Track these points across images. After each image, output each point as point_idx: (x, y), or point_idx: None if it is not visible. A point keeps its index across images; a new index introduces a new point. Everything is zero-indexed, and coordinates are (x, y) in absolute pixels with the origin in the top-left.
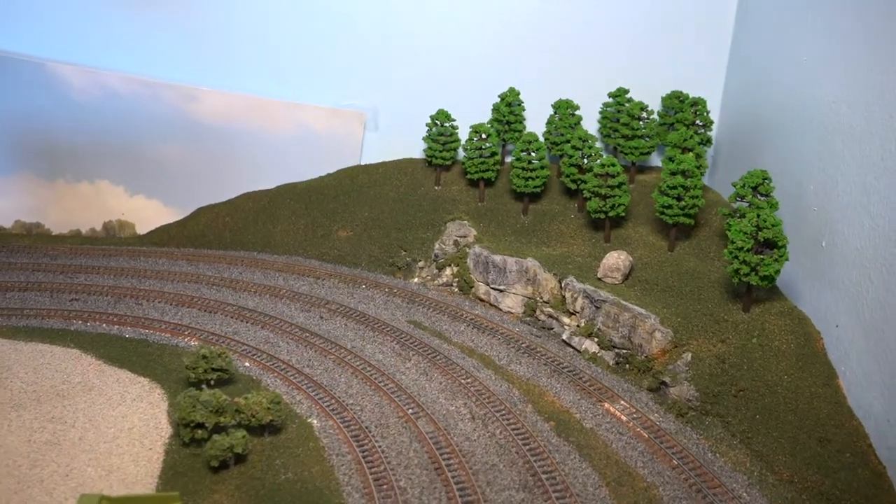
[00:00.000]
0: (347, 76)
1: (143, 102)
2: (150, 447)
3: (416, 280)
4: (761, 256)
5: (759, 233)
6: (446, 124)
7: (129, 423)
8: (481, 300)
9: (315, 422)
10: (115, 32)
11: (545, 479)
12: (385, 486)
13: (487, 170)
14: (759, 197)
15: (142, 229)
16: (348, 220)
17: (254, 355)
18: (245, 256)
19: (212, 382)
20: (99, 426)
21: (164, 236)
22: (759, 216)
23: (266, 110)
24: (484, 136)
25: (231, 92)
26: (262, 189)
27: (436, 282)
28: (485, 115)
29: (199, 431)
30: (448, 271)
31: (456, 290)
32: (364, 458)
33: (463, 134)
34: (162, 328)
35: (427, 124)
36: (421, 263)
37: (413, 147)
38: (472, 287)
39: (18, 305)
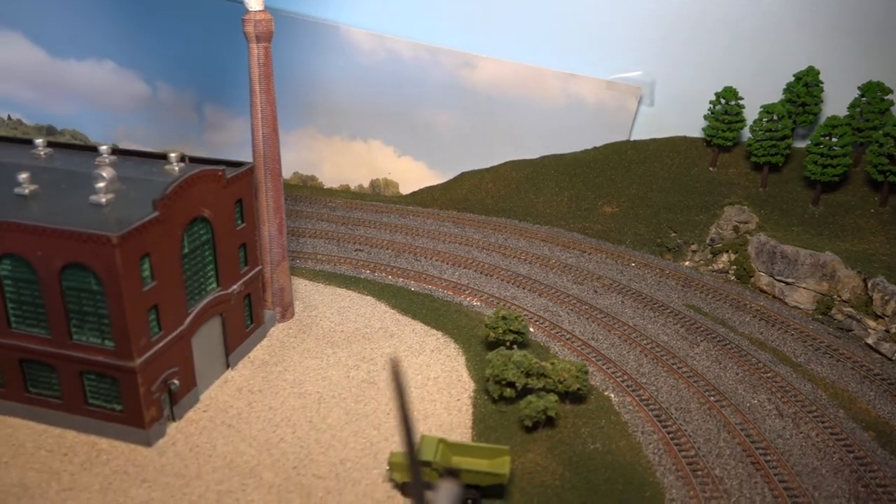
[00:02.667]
0: (625, 48)
1: (423, 68)
2: (458, 398)
3: (687, 263)
4: None
5: None
6: (732, 102)
7: (433, 372)
8: (763, 291)
9: (613, 396)
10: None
11: (881, 494)
12: (700, 472)
13: (776, 153)
14: None
15: (405, 189)
16: (614, 196)
17: (537, 322)
18: (507, 223)
19: (508, 343)
20: (406, 371)
21: (427, 197)
22: None
23: (539, 80)
24: (776, 117)
25: (507, 60)
26: (527, 158)
27: (710, 267)
28: (773, 95)
29: (509, 390)
30: (725, 257)
31: (732, 277)
32: (671, 439)
33: (749, 114)
34: (443, 285)
35: (710, 102)
36: (694, 247)
37: (689, 125)
38: (751, 276)
39: (311, 250)
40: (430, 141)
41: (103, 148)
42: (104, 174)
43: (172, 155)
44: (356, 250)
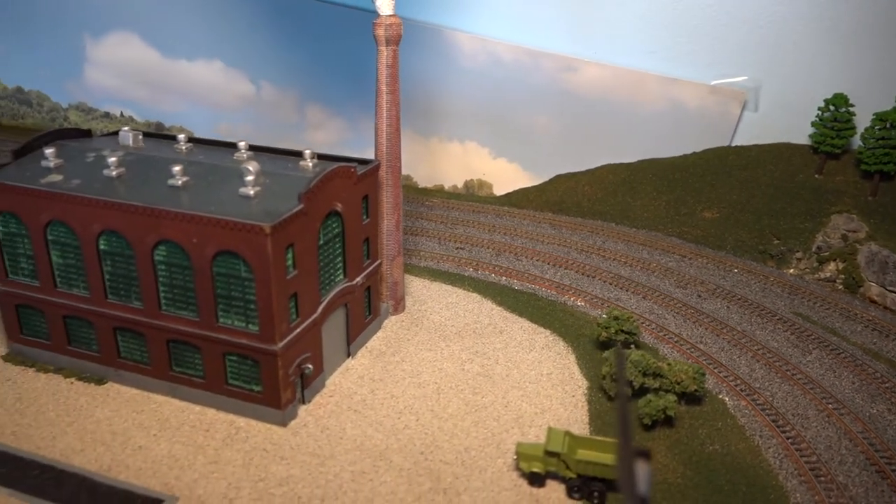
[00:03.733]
0: (730, 53)
1: (523, 71)
2: (572, 394)
3: (791, 271)
4: None
5: None
6: (842, 109)
7: (545, 368)
8: (873, 301)
9: (727, 399)
10: (506, 3)
11: None
12: (824, 478)
13: (889, 162)
14: None
15: (499, 190)
16: (714, 201)
17: (644, 324)
18: (604, 226)
19: (619, 344)
20: (519, 367)
21: (522, 199)
22: None
23: (640, 84)
24: (889, 125)
25: (609, 64)
26: (624, 162)
27: (816, 275)
28: (886, 102)
29: (626, 388)
30: (832, 266)
31: (840, 286)
32: (791, 444)
33: (859, 121)
34: (546, 285)
35: (819, 108)
36: (798, 254)
37: (794, 131)
38: (860, 286)
39: (413, 247)
40: (525, 143)
41: (241, 144)
42: (251, 168)
43: (307, 152)
44: (457, 248)
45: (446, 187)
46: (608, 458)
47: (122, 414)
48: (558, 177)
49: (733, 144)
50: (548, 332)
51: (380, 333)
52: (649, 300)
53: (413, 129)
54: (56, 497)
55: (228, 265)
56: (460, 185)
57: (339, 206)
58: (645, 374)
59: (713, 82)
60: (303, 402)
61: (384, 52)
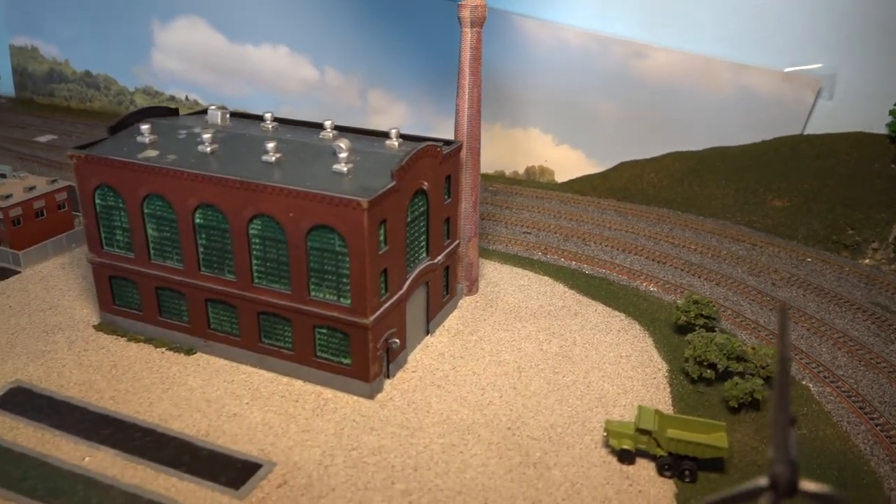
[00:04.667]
0: (806, 39)
1: (591, 57)
2: (653, 377)
3: (867, 261)
4: None
5: None
6: None
7: (623, 350)
8: None
9: (811, 385)
10: None
11: None
12: None
13: None
14: None
15: (560, 177)
16: (785, 191)
17: (720, 310)
18: (670, 214)
19: (697, 328)
20: (597, 348)
21: (585, 186)
22: None
23: (711, 71)
24: None
25: (679, 50)
26: (691, 150)
27: (893, 266)
28: None
29: (709, 371)
30: None
31: None
32: (881, 431)
33: None
34: (617, 270)
35: None
36: (874, 244)
37: (871, 120)
38: None
39: (481, 231)
40: (589, 130)
41: (327, 123)
42: (342, 145)
43: (392, 131)
44: (524, 233)
45: (507, 173)
46: (700, 437)
47: (214, 383)
48: (622, 164)
49: (805, 133)
50: (622, 316)
51: (455, 313)
52: (723, 287)
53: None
54: (159, 458)
55: (323, 239)
56: (521, 171)
57: (425, 185)
58: (729, 358)
59: (787, 69)
60: (387, 376)
61: (468, 34)
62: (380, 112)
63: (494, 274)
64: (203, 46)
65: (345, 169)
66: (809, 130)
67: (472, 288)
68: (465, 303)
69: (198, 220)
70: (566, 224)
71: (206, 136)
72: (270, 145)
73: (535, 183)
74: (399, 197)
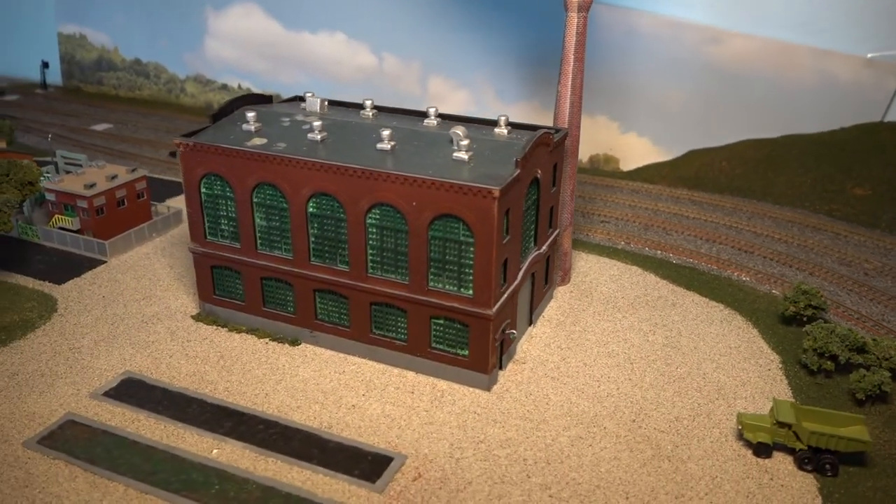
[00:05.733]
0: (888, 24)
1: (661, 42)
2: (767, 368)
3: None
4: None
5: None
6: None
7: (731, 342)
8: None
9: None
10: None
11: None
12: None
13: None
14: None
15: (626, 165)
16: (866, 178)
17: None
18: (745, 203)
19: (805, 318)
20: (704, 339)
21: (653, 174)
22: None
23: (789, 56)
24: None
25: (756, 35)
26: (765, 137)
27: None
28: None
29: (829, 363)
30: None
31: None
32: None
33: None
34: (705, 259)
35: None
36: None
37: None
38: None
39: None
40: (657, 118)
41: (430, 111)
42: (460, 133)
43: (501, 118)
44: (602, 222)
45: None
46: (841, 430)
47: (325, 374)
48: (692, 152)
49: (886, 119)
50: (721, 306)
51: (553, 303)
52: (817, 276)
53: (540, 102)
54: (287, 451)
55: (446, 228)
56: (585, 159)
57: (538, 174)
58: (850, 350)
59: (869, 55)
60: (500, 367)
61: (574, 19)
62: (440, 99)
63: (582, 263)
64: (258, 34)
65: (466, 157)
66: (890, 118)
67: (566, 278)
68: (560, 293)
69: (311, 209)
70: (643, 213)
71: (317, 123)
72: (386, 133)
73: (600, 171)
74: (519, 186)
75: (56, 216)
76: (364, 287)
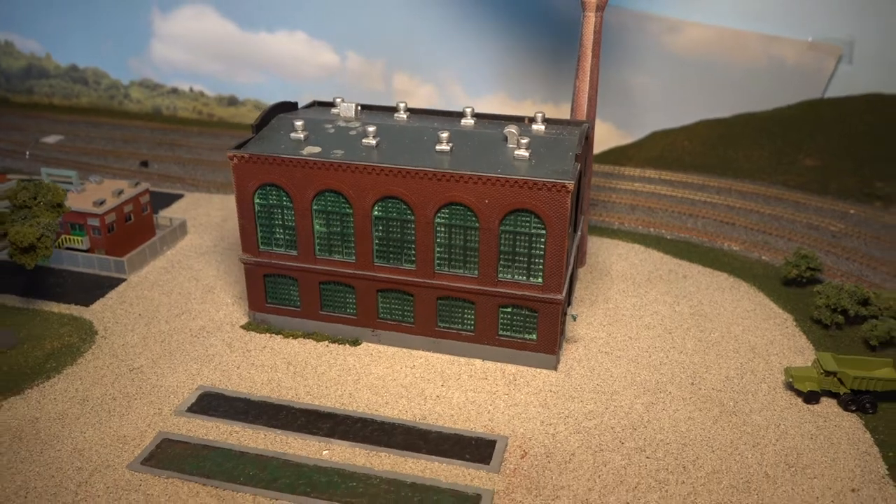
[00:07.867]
0: (829, 6)
1: (626, 33)
2: (784, 326)
3: None
4: None
5: None
6: None
7: (746, 305)
8: None
9: None
10: None
11: None
12: None
13: None
14: None
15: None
16: (813, 150)
17: None
18: (709, 178)
19: (804, 280)
20: (723, 306)
21: (620, 157)
22: None
23: (741, 43)
24: None
25: (712, 24)
26: (719, 117)
27: None
28: None
29: (840, 317)
30: None
31: None
32: None
33: None
34: (694, 232)
35: None
36: None
37: (886, 82)
38: None
39: None
40: (619, 103)
41: (467, 110)
42: (514, 131)
43: (538, 115)
44: (590, 205)
45: None
46: (875, 372)
47: (398, 369)
48: (654, 133)
49: (825, 97)
50: (725, 275)
51: (578, 284)
52: (795, 242)
53: (508, 95)
54: (395, 444)
55: (517, 222)
56: None
57: (580, 165)
58: (859, 303)
59: (811, 39)
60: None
61: (591, 18)
62: (406, 96)
63: (589, 245)
64: (211, 35)
65: (527, 154)
66: (829, 94)
67: (583, 259)
68: (581, 274)
69: (376, 213)
70: (623, 194)
71: (371, 128)
72: (444, 135)
73: None
74: (578, 178)
75: (63, 236)
76: (432, 283)
